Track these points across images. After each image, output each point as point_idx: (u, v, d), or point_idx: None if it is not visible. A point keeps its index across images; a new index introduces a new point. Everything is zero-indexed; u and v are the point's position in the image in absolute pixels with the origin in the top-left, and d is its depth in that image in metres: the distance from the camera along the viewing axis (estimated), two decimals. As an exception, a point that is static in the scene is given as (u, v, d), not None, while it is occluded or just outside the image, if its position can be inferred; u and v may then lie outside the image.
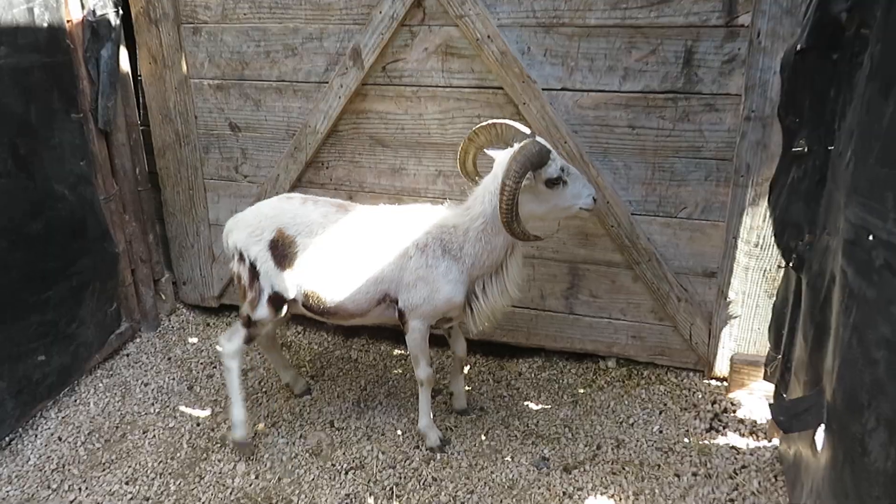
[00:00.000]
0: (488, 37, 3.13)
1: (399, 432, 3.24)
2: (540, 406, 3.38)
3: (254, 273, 2.96)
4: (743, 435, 3.09)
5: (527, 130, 2.71)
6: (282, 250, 2.91)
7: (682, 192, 3.18)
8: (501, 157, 2.70)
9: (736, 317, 3.24)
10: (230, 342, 3.09)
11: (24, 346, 3.26)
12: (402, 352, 3.89)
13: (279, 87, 3.61)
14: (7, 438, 3.22)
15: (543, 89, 3.17)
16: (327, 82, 3.48)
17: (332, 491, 2.89)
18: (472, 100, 3.33)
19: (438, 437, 3.11)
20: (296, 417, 3.38)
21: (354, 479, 2.95)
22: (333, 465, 3.04)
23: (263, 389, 3.63)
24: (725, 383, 3.39)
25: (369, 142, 3.57)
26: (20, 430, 3.29)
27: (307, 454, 3.12)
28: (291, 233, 2.91)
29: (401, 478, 2.94)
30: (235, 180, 3.92)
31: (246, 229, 2.97)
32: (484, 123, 2.80)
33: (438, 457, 3.05)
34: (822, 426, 2.01)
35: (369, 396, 3.52)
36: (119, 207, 3.83)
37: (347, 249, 2.87)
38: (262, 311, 2.97)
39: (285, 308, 3.01)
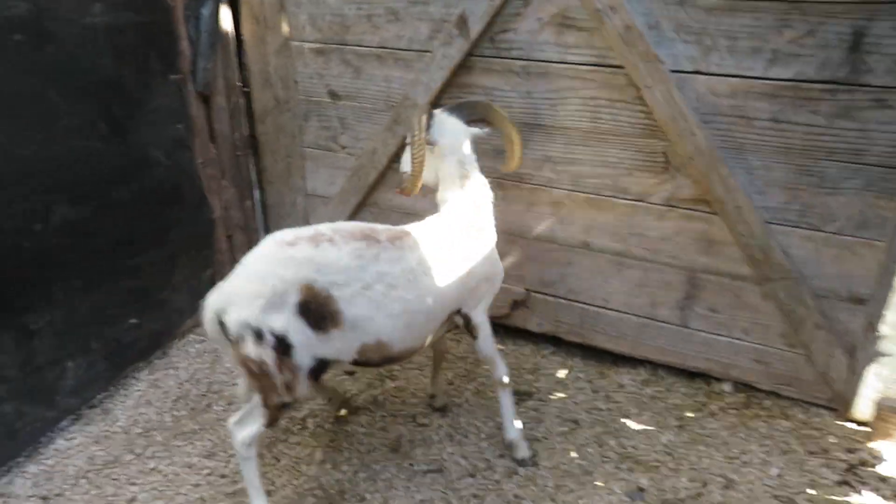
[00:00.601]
0: (611, 7, 2.71)
1: (483, 437, 3.02)
2: (641, 426, 3.05)
3: (284, 350, 2.26)
4: (886, 497, 2.63)
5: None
6: (318, 311, 2.28)
7: (833, 202, 2.67)
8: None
9: (887, 355, 2.73)
10: (244, 428, 2.44)
11: (116, 309, 3.28)
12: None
13: (380, 54, 3.35)
14: (99, 397, 3.28)
15: (672, 71, 2.73)
16: (430, 51, 3.18)
17: (408, 494, 2.73)
18: (588, 79, 2.93)
19: (528, 449, 2.87)
20: (378, 407, 3.24)
21: (432, 484, 2.77)
22: (411, 465, 2.88)
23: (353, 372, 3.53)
24: (866, 429, 2.91)
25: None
26: (112, 389, 3.34)
27: (385, 449, 2.98)
28: (323, 287, 2.27)
29: (480, 489, 2.73)
30: (333, 150, 3.74)
31: (254, 301, 2.21)
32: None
33: (521, 472, 2.81)
34: None
35: (455, 392, 3.31)
36: (217, 172, 3.76)
37: (406, 287, 2.41)
38: (302, 389, 2.38)
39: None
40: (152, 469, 2.90)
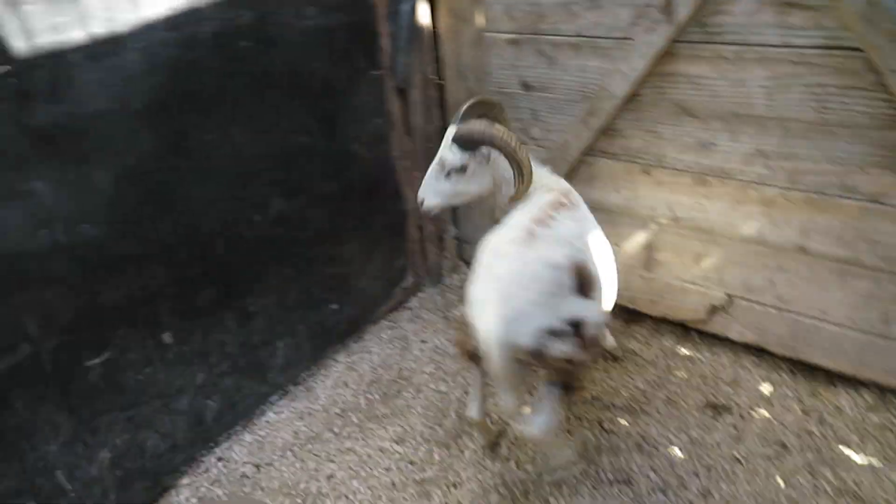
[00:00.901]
0: (852, -18, 2.37)
1: (676, 450, 2.85)
2: (864, 458, 2.69)
3: (579, 330, 2.26)
4: None
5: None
6: (586, 282, 2.35)
7: None
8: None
9: None
10: (543, 424, 2.44)
11: (320, 295, 3.52)
12: (689, 352, 3.43)
13: (576, 42, 3.23)
14: (303, 375, 3.54)
15: (928, 52, 2.33)
16: (631, 38, 3.00)
17: (594, 503, 2.66)
18: (816, 64, 2.59)
19: None
20: (564, 408, 3.17)
21: (619, 496, 2.67)
22: (597, 473, 2.79)
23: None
24: None
25: (674, 110, 3.05)
26: (314, 369, 3.59)
27: (572, 452, 2.91)
28: (580, 259, 2.35)
29: (671, 508, 2.59)
30: (524, 143, 3.68)
31: (537, 307, 2.21)
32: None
33: (717, 494, 2.61)
34: None
35: (645, 399, 3.15)
36: (410, 165, 3.88)
37: (598, 241, 2.66)
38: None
39: None
40: (348, 449, 3.08)
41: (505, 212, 2.82)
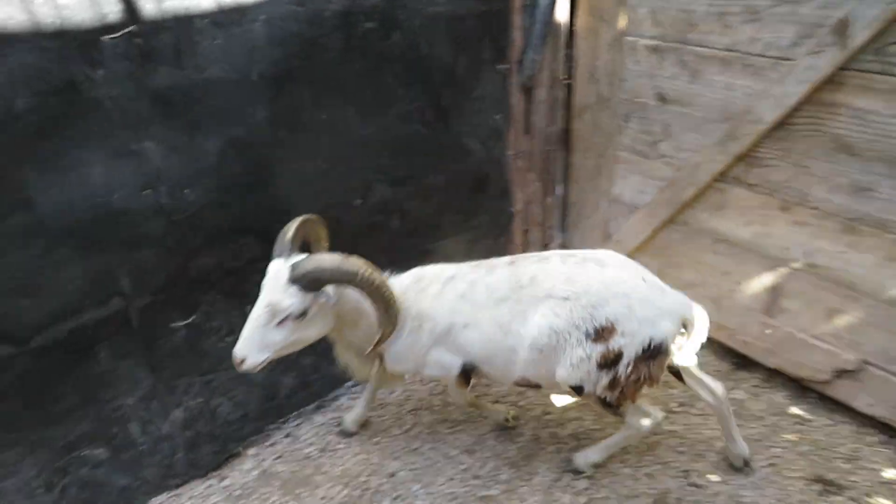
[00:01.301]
0: None
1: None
2: None
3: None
4: None
5: None
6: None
7: None
8: None
9: None
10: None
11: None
12: (803, 413, 3.06)
13: (725, 58, 2.91)
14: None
15: None
16: (791, 59, 2.66)
17: (666, 562, 2.42)
18: None
19: None
20: (649, 449, 2.92)
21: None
22: (672, 530, 2.55)
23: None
24: None
25: (830, 145, 2.68)
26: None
27: (649, 500, 2.67)
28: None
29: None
30: (649, 157, 3.41)
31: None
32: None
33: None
34: None
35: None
36: (526, 165, 3.70)
37: None
38: None
39: None
40: (415, 449, 2.99)
41: (370, 357, 2.59)
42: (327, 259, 2.16)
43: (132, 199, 2.27)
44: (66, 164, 2.10)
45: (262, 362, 2.22)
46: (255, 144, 2.54)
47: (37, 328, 2.21)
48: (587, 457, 2.78)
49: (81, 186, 2.14)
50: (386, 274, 2.44)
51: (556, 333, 2.33)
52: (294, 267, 2.15)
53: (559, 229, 4.04)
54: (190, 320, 2.57)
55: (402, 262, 3.28)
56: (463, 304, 2.47)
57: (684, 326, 2.40)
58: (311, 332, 2.32)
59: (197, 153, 2.38)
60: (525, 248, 3.89)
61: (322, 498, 2.76)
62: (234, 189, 2.54)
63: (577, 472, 2.80)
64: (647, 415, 2.58)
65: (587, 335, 2.30)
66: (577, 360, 2.33)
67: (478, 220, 3.58)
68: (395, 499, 2.74)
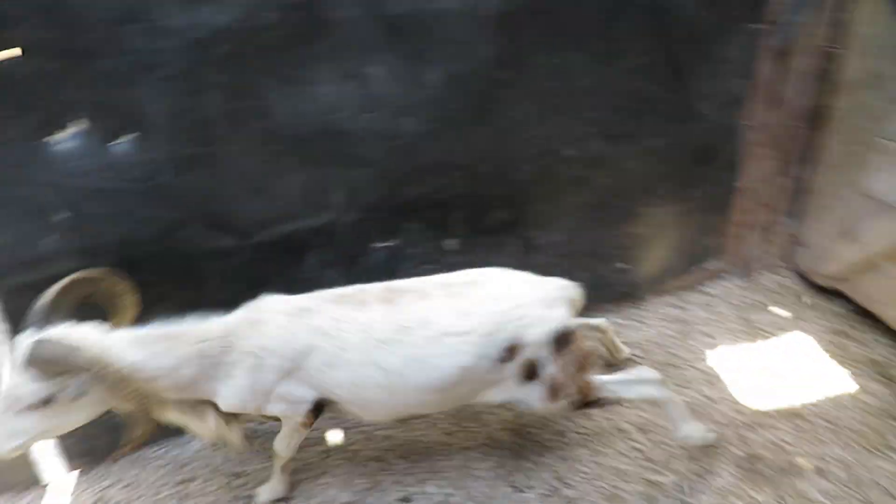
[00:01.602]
0: None
1: None
2: None
3: None
4: None
5: None
6: None
7: None
8: None
9: None
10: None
11: (610, 249, 3.33)
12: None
13: None
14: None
15: None
16: None
17: None
18: None
19: None
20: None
21: None
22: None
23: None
24: None
25: None
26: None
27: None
28: None
29: None
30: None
31: None
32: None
33: None
34: None
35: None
36: (762, 139, 3.32)
37: None
38: None
39: None
40: (585, 413, 2.90)
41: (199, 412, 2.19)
42: (58, 344, 1.79)
43: (351, 121, 2.41)
44: (301, 79, 2.27)
45: (16, 448, 1.88)
46: (477, 81, 2.55)
47: (260, 226, 2.47)
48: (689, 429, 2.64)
49: (312, 102, 2.32)
50: (208, 316, 2.14)
51: (466, 370, 2.17)
52: (33, 347, 1.79)
53: (789, 215, 3.61)
54: (390, 243, 2.70)
55: (605, 222, 3.18)
56: (324, 341, 2.15)
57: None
58: (75, 417, 1.94)
59: (418, 83, 2.45)
60: (742, 228, 3.54)
61: None
62: (450, 123, 2.58)
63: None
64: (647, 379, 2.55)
65: (500, 360, 2.20)
66: (503, 385, 2.29)
67: (696, 191, 3.32)
68: (559, 460, 2.68)
